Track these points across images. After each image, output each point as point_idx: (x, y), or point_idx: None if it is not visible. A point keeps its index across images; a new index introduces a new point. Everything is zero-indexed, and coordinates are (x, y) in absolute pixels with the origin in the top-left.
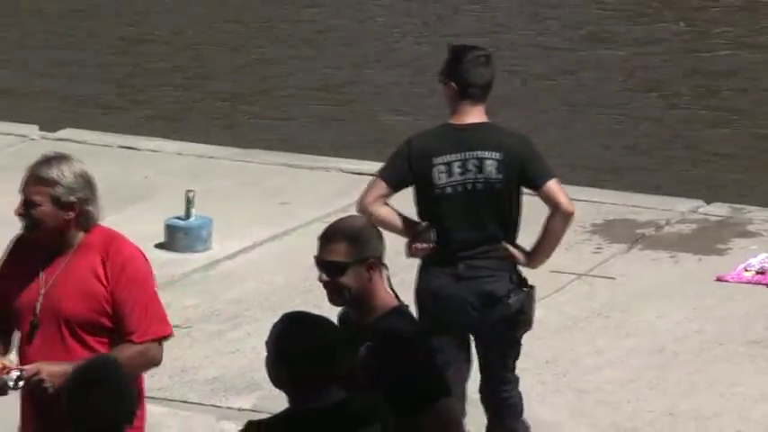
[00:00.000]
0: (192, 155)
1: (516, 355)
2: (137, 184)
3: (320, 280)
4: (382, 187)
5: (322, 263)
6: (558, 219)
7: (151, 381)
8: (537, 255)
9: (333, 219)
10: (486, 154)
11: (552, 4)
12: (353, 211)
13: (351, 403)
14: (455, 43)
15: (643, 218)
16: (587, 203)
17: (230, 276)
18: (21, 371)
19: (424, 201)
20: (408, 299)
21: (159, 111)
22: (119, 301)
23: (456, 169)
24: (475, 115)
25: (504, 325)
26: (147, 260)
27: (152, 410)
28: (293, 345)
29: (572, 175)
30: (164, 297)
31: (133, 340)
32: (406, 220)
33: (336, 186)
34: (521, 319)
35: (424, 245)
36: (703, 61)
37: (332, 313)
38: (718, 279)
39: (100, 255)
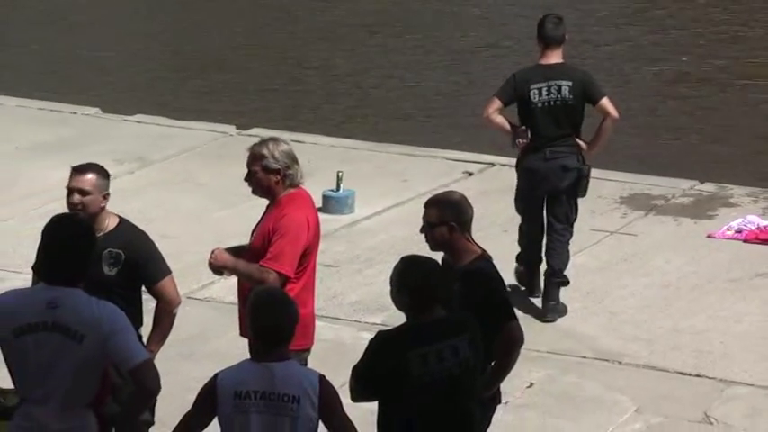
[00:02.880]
0: (342, 146)
1: (575, 213)
2: (304, 167)
3: (420, 231)
4: (497, 103)
5: (423, 219)
6: (608, 122)
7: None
8: (593, 145)
9: (438, 191)
10: (563, 82)
11: None
12: (453, 188)
13: (449, 318)
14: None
15: (656, 192)
16: (617, 182)
17: (367, 232)
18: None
19: (524, 112)
20: (490, 250)
21: (320, 115)
22: (271, 240)
23: (544, 92)
24: (554, 57)
25: (572, 187)
26: (300, 222)
27: None
28: (410, 277)
29: (608, 163)
30: (321, 246)
31: (261, 263)
32: (512, 124)
33: (442, 170)
34: (582, 183)
35: (523, 140)
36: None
37: (437, 257)
38: (709, 236)
39: (278, 209)
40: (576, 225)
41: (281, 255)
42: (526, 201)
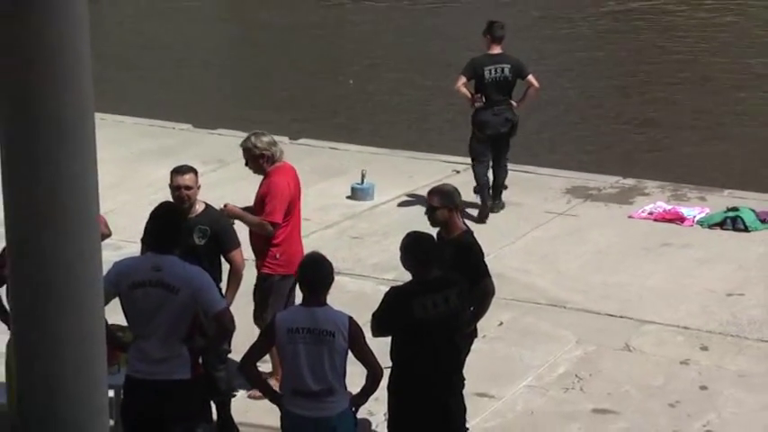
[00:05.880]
0: (366, 152)
1: (509, 150)
2: (338, 166)
3: (425, 213)
4: (462, 79)
5: (427, 205)
6: (532, 91)
7: (343, 264)
8: (521, 104)
9: (435, 184)
10: (504, 65)
11: None
12: (446, 182)
13: (443, 277)
14: (489, 20)
15: (591, 185)
16: (564, 178)
17: (384, 213)
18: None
19: (479, 84)
20: (468, 218)
21: (353, 125)
22: (264, 200)
23: (492, 71)
24: (498, 49)
25: (508, 133)
26: (282, 184)
27: (341, 279)
28: (415, 246)
29: (557, 163)
30: (350, 223)
31: (262, 218)
32: (470, 91)
33: (438, 169)
34: (514, 132)
35: (479, 103)
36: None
37: (433, 232)
38: (629, 216)
39: (267, 179)
40: (531, 207)
41: (273, 210)
42: (478, 142)
